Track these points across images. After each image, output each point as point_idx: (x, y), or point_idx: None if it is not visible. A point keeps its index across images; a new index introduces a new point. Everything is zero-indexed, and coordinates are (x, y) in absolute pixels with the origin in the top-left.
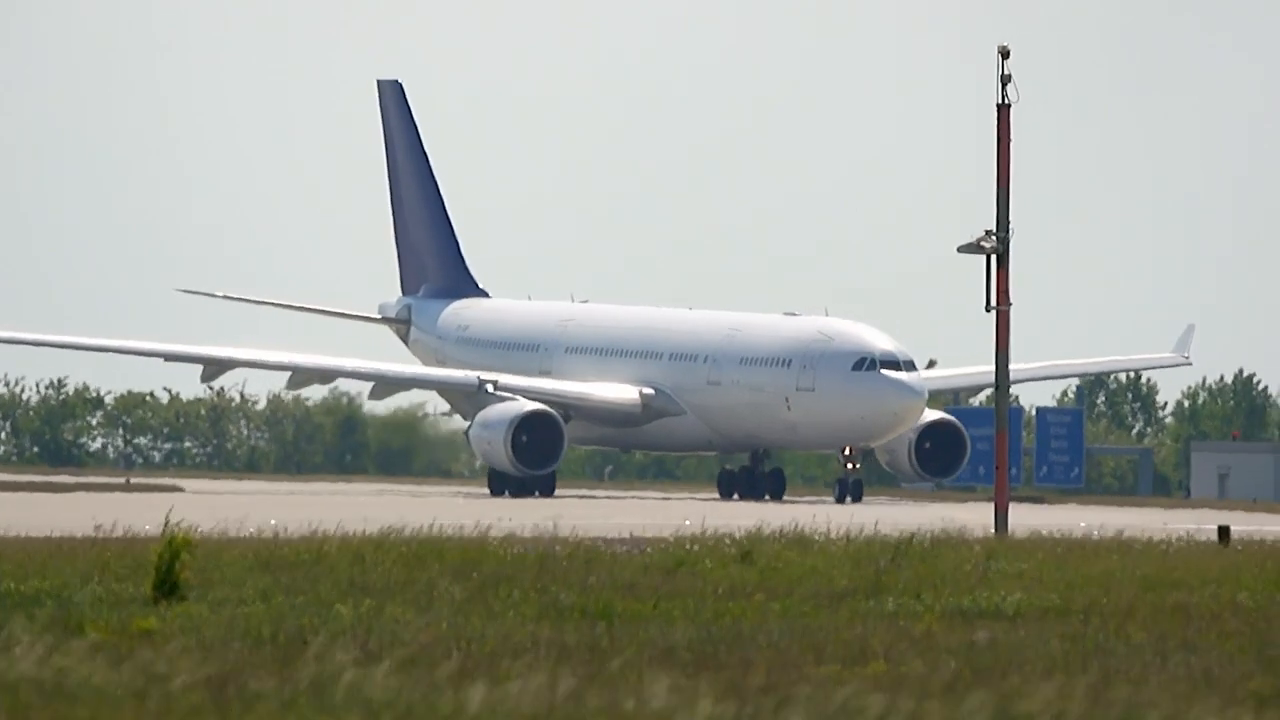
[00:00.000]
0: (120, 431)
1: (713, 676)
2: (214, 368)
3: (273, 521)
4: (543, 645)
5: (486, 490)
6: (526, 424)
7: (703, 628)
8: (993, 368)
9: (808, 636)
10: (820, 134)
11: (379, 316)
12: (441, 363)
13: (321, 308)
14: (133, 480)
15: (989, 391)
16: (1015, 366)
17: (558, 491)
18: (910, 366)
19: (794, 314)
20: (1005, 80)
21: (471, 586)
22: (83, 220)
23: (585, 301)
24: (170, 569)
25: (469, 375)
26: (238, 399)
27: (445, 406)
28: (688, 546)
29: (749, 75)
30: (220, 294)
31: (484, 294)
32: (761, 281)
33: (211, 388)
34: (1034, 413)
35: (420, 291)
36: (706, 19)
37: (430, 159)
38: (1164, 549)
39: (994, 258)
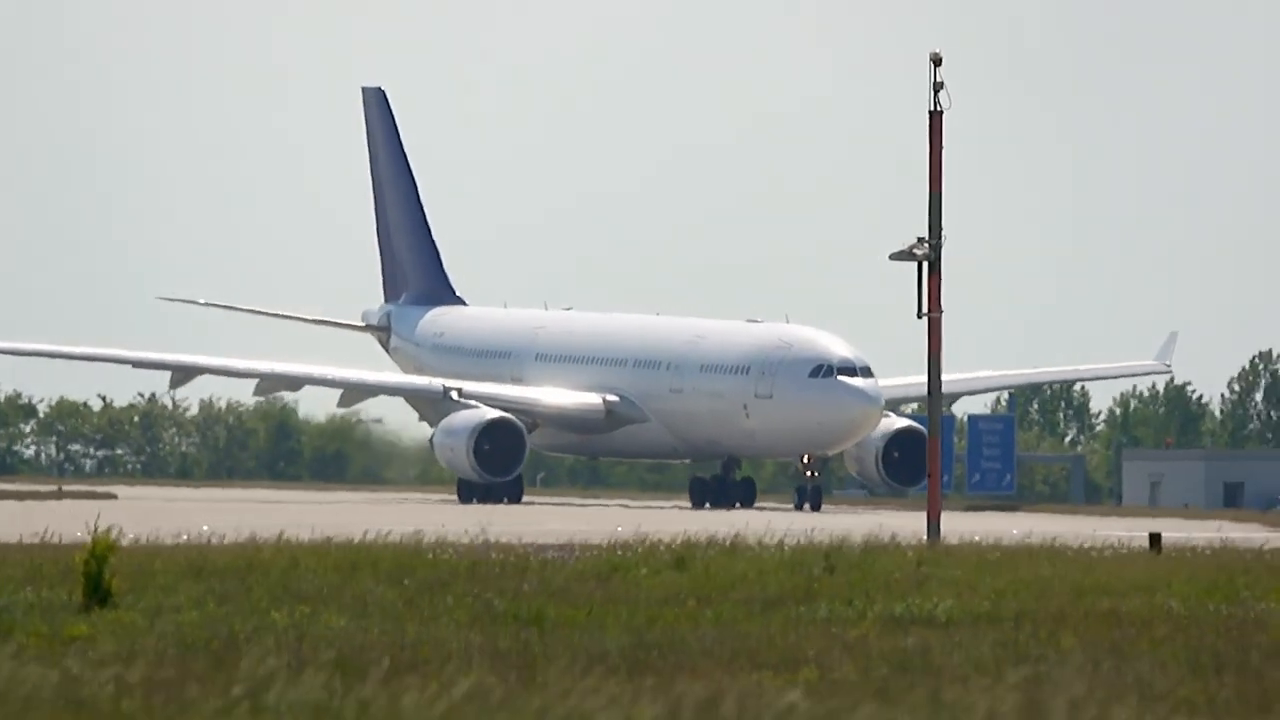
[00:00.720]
0: (54, 439)
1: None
2: (182, 374)
3: (205, 527)
4: (475, 651)
5: (451, 496)
6: (488, 432)
7: (635, 634)
8: (961, 376)
9: (740, 642)
10: (806, 135)
11: (362, 324)
12: (420, 370)
13: (304, 315)
14: (66, 488)
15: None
16: (995, 374)
17: (526, 498)
18: (868, 373)
19: (756, 321)
20: (938, 87)
21: (406, 593)
22: (63, 226)
23: (569, 309)
24: (99, 575)
25: (433, 383)
26: (170, 405)
27: (378, 414)
28: (621, 553)
29: (731, 90)
30: (202, 301)
31: (461, 302)
32: (729, 287)
33: (143, 394)
34: (966, 420)
35: (401, 299)
36: (677, 37)
37: (412, 166)
38: (1096, 556)
39: (925, 264)
